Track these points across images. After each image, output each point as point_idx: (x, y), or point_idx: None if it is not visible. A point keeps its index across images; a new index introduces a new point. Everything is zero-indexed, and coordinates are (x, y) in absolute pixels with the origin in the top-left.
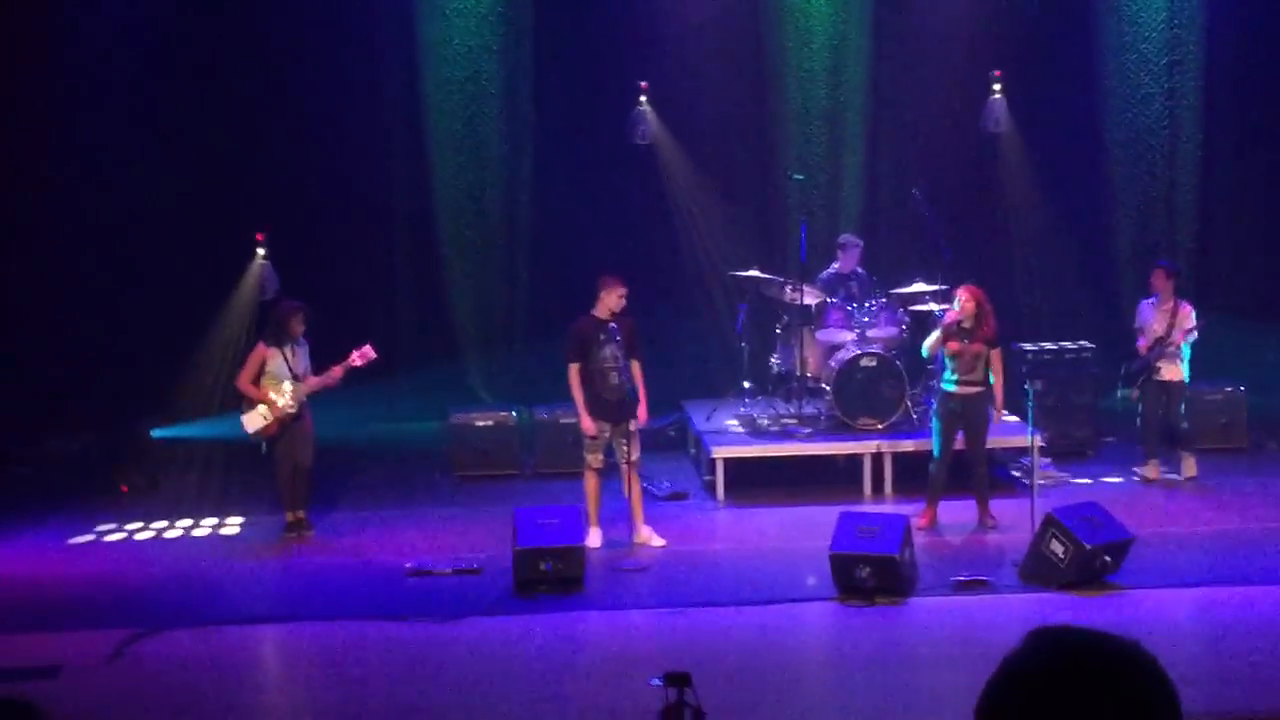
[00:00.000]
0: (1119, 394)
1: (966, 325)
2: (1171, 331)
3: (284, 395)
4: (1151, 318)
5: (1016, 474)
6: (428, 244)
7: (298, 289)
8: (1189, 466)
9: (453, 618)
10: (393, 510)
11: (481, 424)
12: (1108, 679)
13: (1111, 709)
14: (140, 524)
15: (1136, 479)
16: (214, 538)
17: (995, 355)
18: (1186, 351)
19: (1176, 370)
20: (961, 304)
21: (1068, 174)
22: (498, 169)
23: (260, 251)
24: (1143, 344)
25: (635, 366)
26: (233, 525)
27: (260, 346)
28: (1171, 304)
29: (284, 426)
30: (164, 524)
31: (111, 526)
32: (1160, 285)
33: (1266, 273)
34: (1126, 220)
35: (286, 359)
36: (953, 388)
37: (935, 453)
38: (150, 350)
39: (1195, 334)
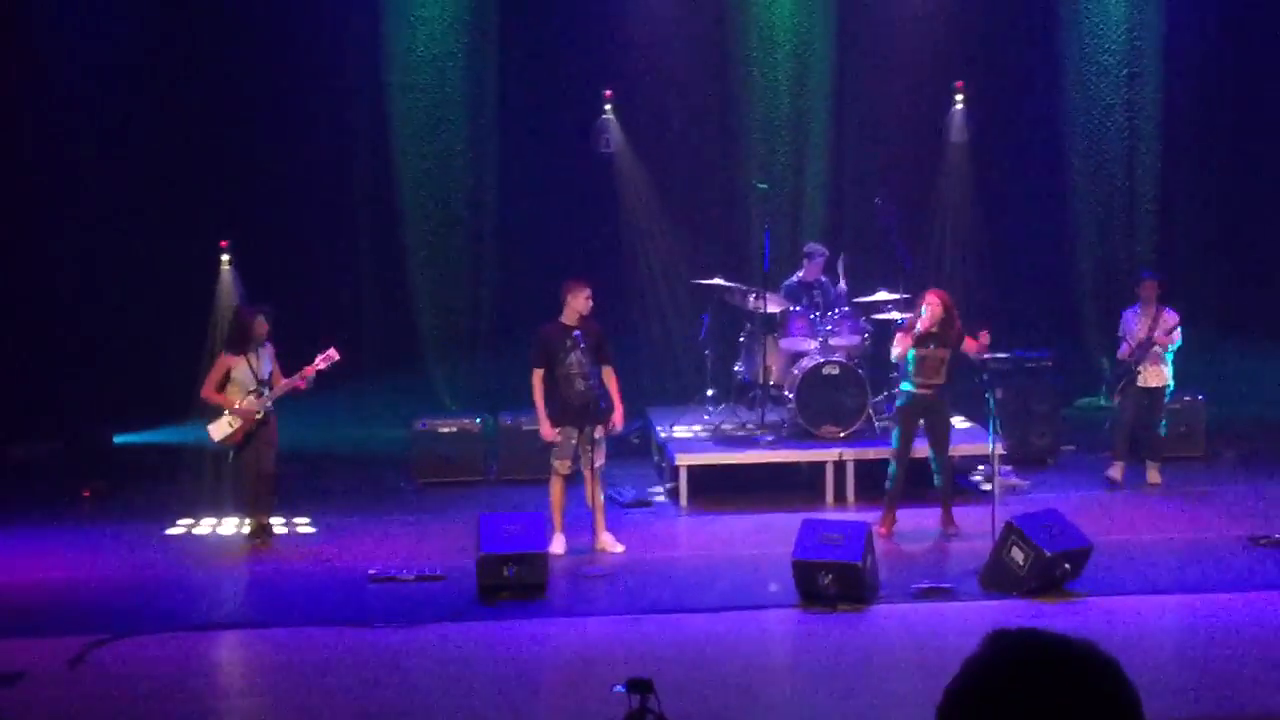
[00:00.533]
0: (1102, 395)
1: (934, 330)
2: (1154, 333)
3: (251, 401)
4: (1135, 325)
5: (978, 480)
6: (393, 250)
7: (263, 295)
8: (1153, 474)
9: (415, 624)
10: (356, 516)
11: (446, 430)
12: (1069, 681)
13: (1073, 711)
14: (105, 529)
15: (1108, 482)
16: (177, 543)
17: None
18: (1170, 357)
19: (1162, 374)
20: (929, 310)
21: (1029, 184)
22: (463, 175)
23: (225, 259)
24: (1125, 350)
25: (608, 373)
26: (196, 531)
27: (223, 356)
28: (1154, 310)
29: (250, 434)
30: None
31: (76, 532)
32: (1146, 293)
33: (1225, 283)
34: (1086, 230)
35: (251, 365)
36: (912, 389)
37: (893, 457)
38: (113, 356)
39: (1179, 341)
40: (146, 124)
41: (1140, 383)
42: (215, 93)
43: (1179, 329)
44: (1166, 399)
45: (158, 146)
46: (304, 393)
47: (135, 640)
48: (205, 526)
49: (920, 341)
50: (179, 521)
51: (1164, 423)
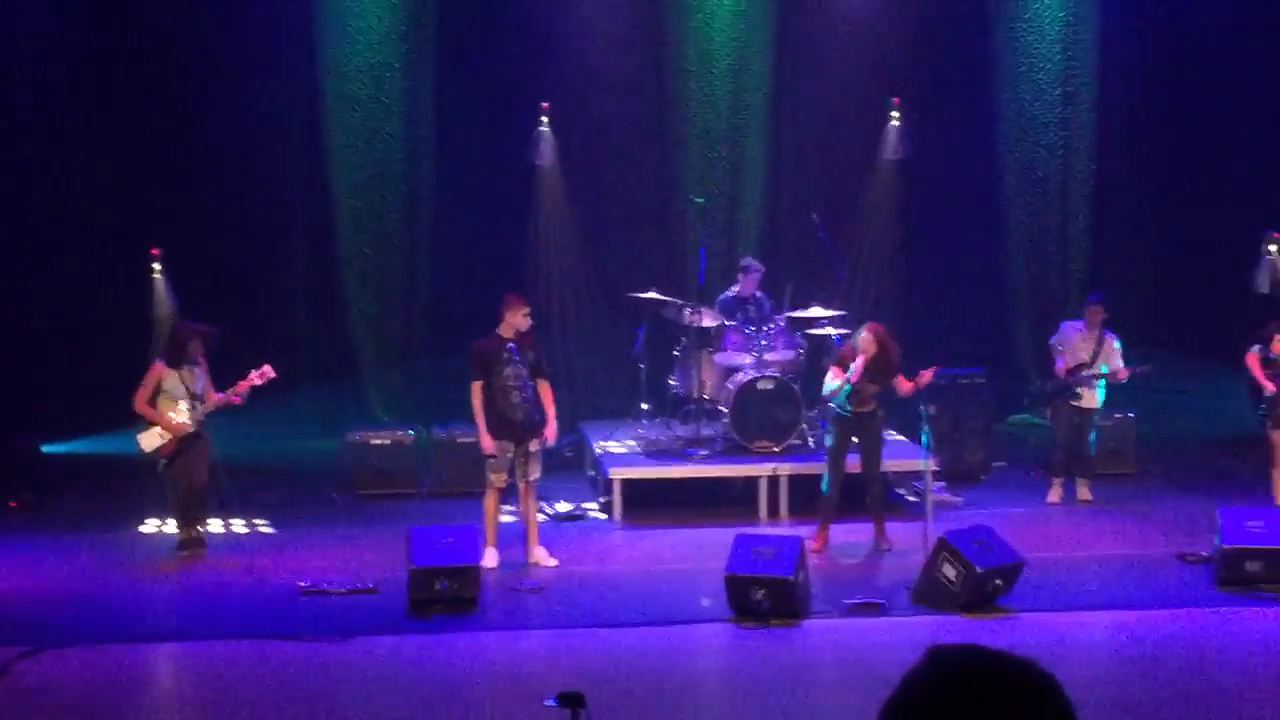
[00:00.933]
0: (1027, 411)
1: (868, 364)
2: (1095, 362)
3: (181, 414)
4: (1076, 342)
5: (912, 499)
6: (327, 262)
7: (196, 306)
8: (1084, 491)
9: (346, 637)
10: (288, 529)
11: (378, 443)
12: (1008, 697)
13: None
14: (31, 540)
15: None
16: (105, 554)
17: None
18: (1101, 382)
19: (1094, 398)
20: (864, 352)
21: (963, 200)
22: (398, 187)
23: (156, 267)
24: (1061, 366)
25: (544, 386)
26: (125, 541)
27: (157, 365)
28: (1097, 333)
29: (181, 444)
30: (56, 540)
31: (1, 543)
32: (1092, 316)
33: (1157, 302)
34: (1020, 248)
35: (183, 378)
36: (848, 413)
37: (827, 474)
38: (42, 365)
39: (1107, 369)
40: (79, 131)
41: (1075, 403)
42: (149, 100)
43: (1120, 363)
44: (1096, 419)
45: (90, 154)
46: (237, 407)
47: (62, 653)
48: (133, 537)
49: (857, 382)
50: (108, 531)
51: (1094, 440)
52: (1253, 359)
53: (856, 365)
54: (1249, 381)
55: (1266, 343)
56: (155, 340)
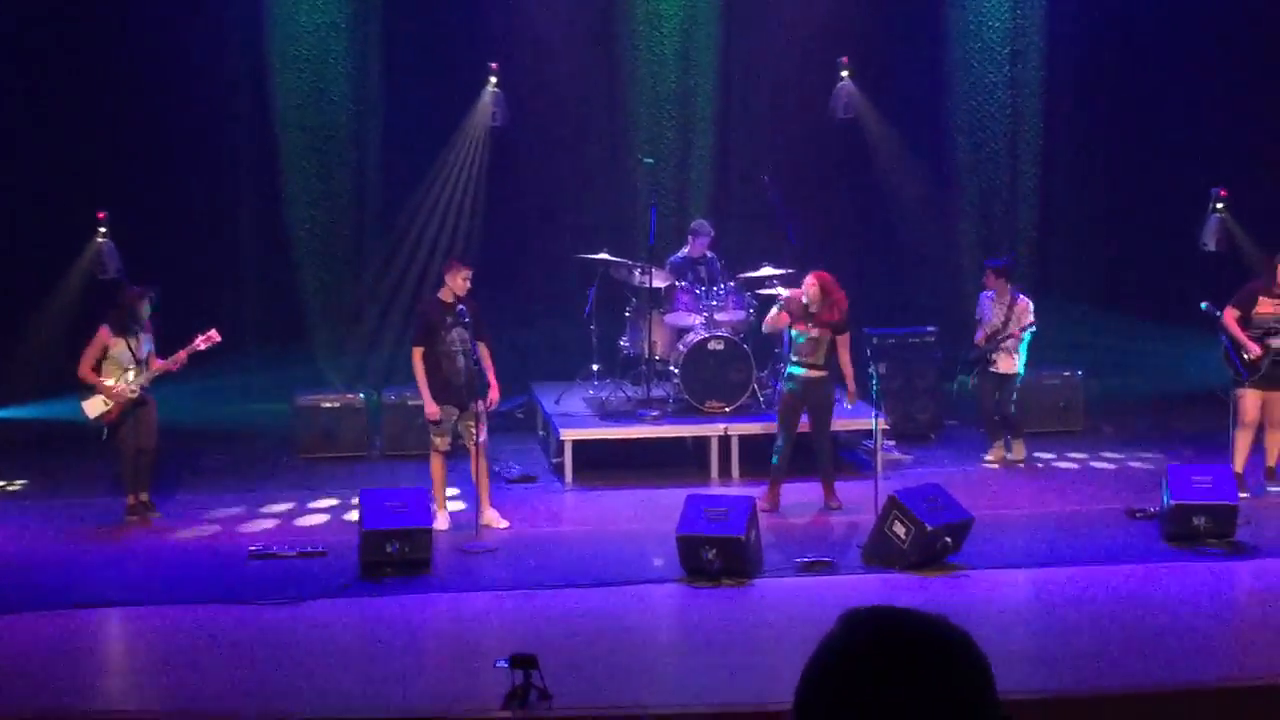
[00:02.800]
0: (957, 381)
1: (812, 310)
2: (1008, 324)
3: (125, 381)
4: (989, 311)
5: (865, 455)
6: (274, 225)
7: (141, 269)
8: (1018, 449)
9: (296, 600)
10: (237, 493)
11: (328, 406)
12: (919, 656)
13: (924, 685)
14: None
15: (984, 463)
16: (53, 520)
17: (843, 341)
18: (1025, 344)
19: (1011, 363)
20: (808, 290)
21: (913, 160)
22: (345, 149)
23: (101, 230)
24: (980, 335)
25: (483, 348)
26: (73, 507)
27: (103, 331)
28: (1008, 298)
29: (125, 411)
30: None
31: None
32: (991, 284)
33: (1105, 260)
34: (969, 207)
35: (129, 345)
36: (797, 370)
37: (778, 434)
38: None
39: (1033, 328)
40: (20, 93)
41: (993, 369)
42: (92, 62)
43: (1033, 320)
44: (1016, 383)
45: (32, 116)
46: (181, 371)
47: (9, 618)
48: (81, 504)
49: (796, 318)
50: (55, 498)
51: (1013, 400)
52: (1230, 317)
53: (793, 291)
54: (1226, 341)
55: (1248, 304)
56: (100, 305)
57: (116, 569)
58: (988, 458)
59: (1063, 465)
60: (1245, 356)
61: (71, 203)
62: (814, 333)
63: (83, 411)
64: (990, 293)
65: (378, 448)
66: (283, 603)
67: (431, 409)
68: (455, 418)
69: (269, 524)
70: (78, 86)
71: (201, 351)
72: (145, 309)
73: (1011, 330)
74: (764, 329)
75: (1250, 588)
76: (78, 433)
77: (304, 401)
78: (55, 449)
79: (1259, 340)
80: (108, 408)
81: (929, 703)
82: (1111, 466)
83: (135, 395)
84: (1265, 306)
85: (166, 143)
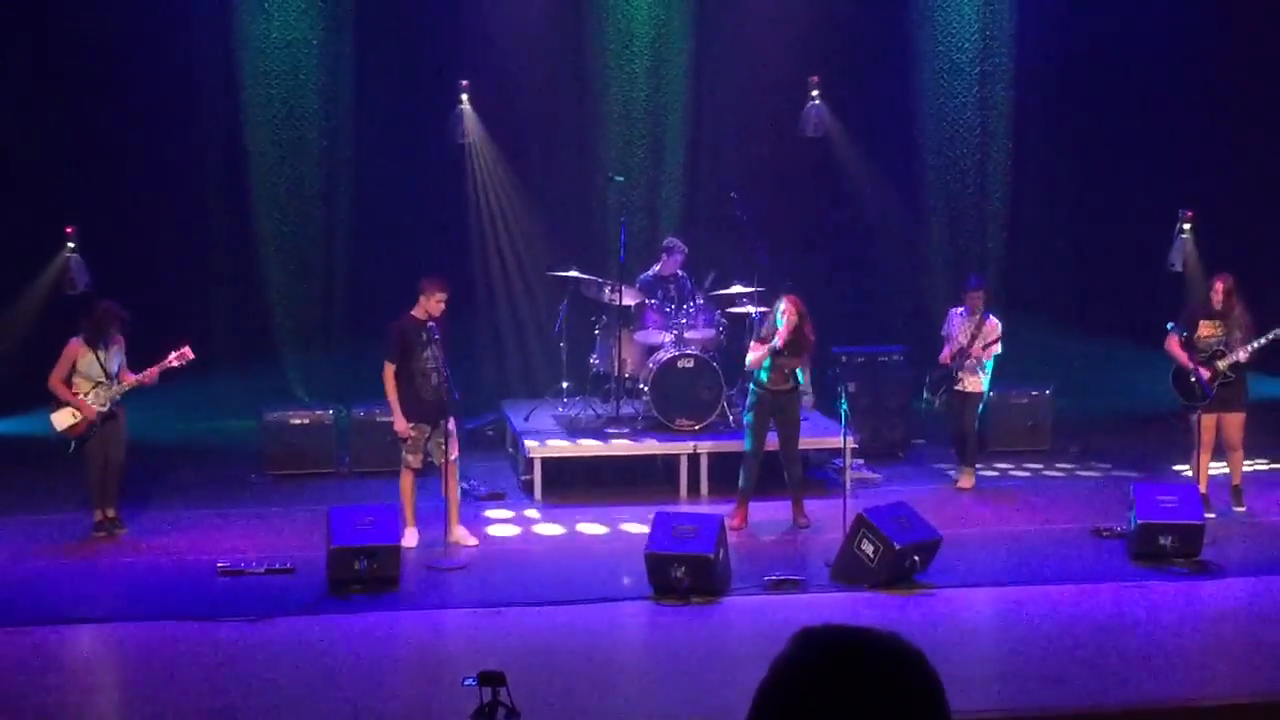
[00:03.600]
0: (924, 399)
1: (785, 337)
2: (974, 343)
3: (94, 395)
4: (957, 328)
5: (834, 474)
6: (245, 240)
7: (111, 284)
8: (967, 477)
9: (265, 617)
10: (205, 509)
11: (297, 422)
12: (871, 675)
13: (875, 703)
14: None
15: (952, 486)
16: (20, 536)
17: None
18: (990, 365)
19: (976, 382)
20: (787, 320)
21: (883, 179)
22: (316, 165)
23: (70, 245)
24: (945, 354)
25: None
26: (40, 523)
27: (73, 344)
28: (978, 317)
29: (93, 426)
30: None
31: None
32: (970, 300)
33: (1073, 279)
34: (938, 226)
35: (99, 358)
36: (765, 390)
37: (747, 452)
38: None
39: (998, 348)
40: None
41: (958, 388)
42: (61, 77)
43: (999, 341)
44: (981, 406)
45: (3, 130)
46: (151, 386)
47: None
48: (48, 519)
49: (777, 354)
50: (21, 513)
51: (977, 421)
52: (1173, 342)
53: (781, 330)
54: (1173, 368)
55: (1189, 327)
56: (69, 318)
57: (84, 585)
58: (959, 483)
59: (1030, 484)
60: (1196, 380)
61: (40, 217)
62: (791, 361)
63: (51, 424)
64: (962, 310)
65: (346, 464)
66: (251, 620)
67: (401, 425)
68: (427, 435)
69: (237, 540)
70: (45, 102)
71: (175, 368)
72: (116, 327)
73: (974, 349)
74: (748, 366)
75: (1216, 607)
76: (43, 448)
77: (272, 418)
78: (20, 464)
79: (1206, 363)
80: (75, 420)
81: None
82: (1079, 485)
83: (105, 410)
84: (1205, 329)
85: (136, 157)
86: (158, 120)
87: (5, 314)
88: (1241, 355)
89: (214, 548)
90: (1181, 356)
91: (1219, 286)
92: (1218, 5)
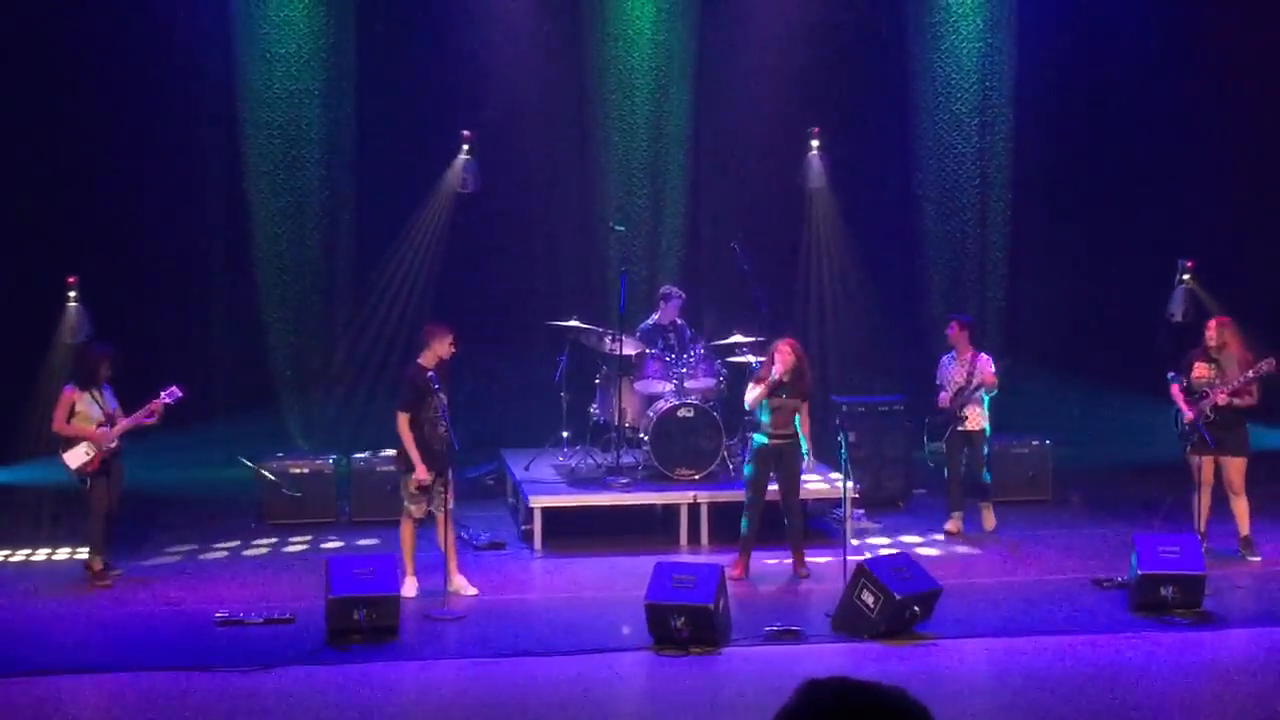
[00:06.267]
0: (928, 450)
1: (786, 380)
2: (971, 379)
3: (105, 430)
4: (951, 372)
5: (835, 523)
6: (246, 288)
7: (113, 333)
8: (988, 519)
9: (263, 667)
10: (204, 558)
11: (297, 471)
12: None
13: None
14: None
15: (940, 536)
16: (16, 584)
17: (805, 408)
18: (986, 401)
19: (978, 418)
20: (781, 359)
21: (882, 230)
22: (318, 214)
23: (72, 295)
24: (944, 398)
25: None
26: (36, 571)
27: (67, 391)
28: (969, 355)
29: (106, 461)
30: None
31: None
32: (955, 338)
33: (1074, 329)
34: (938, 277)
35: (96, 399)
36: (766, 440)
37: (747, 502)
38: None
39: (996, 383)
40: None
41: (961, 428)
42: (66, 123)
43: (995, 372)
44: (985, 444)
45: (7, 181)
46: (150, 429)
47: None
48: (43, 565)
49: (773, 391)
50: (15, 559)
51: (986, 470)
52: (1175, 387)
53: (776, 367)
54: (1174, 412)
55: (1186, 372)
56: (58, 367)
57: (82, 634)
58: (948, 528)
59: (1031, 534)
60: (1181, 423)
61: (44, 267)
62: (790, 403)
63: (64, 465)
64: (950, 354)
65: (346, 513)
66: (250, 670)
67: (422, 474)
68: (430, 484)
69: (236, 590)
70: (49, 148)
71: (169, 406)
72: (107, 369)
73: (974, 384)
74: (748, 406)
75: (1217, 658)
76: (40, 496)
77: (273, 466)
78: (18, 512)
79: (1195, 404)
80: (89, 456)
81: None
82: (1079, 535)
83: (115, 445)
84: (1200, 370)
85: (138, 205)
86: (160, 170)
87: (4, 365)
88: (1220, 397)
89: (212, 597)
90: (1177, 399)
91: (1212, 325)
92: (1217, 56)
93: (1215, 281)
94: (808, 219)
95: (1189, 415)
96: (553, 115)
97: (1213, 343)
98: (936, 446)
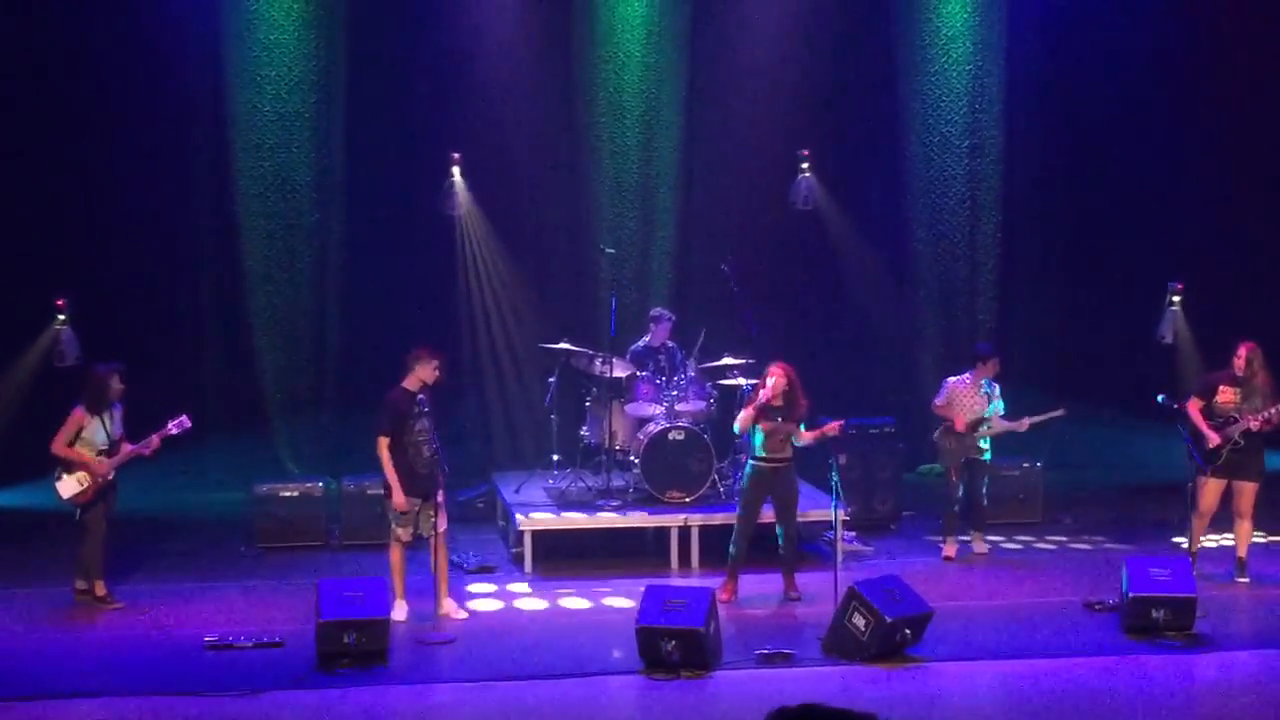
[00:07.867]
0: (930, 467)
1: (777, 404)
2: (989, 408)
3: (102, 461)
4: (967, 394)
5: (826, 546)
6: (236, 313)
7: (102, 356)
8: (979, 544)
9: (253, 692)
10: (194, 582)
11: (287, 495)
12: None
13: None
14: None
15: (944, 558)
16: (6, 609)
17: (799, 432)
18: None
19: (985, 446)
20: (774, 381)
21: (873, 252)
22: (308, 237)
23: (60, 317)
24: (959, 423)
25: None
26: (26, 596)
27: (77, 412)
28: (983, 385)
29: (99, 492)
30: None
31: None
32: (984, 370)
33: (1064, 351)
34: (929, 298)
35: (104, 424)
36: (761, 464)
37: (738, 525)
38: None
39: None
40: None
41: (974, 455)
42: (54, 145)
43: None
44: (987, 472)
45: None
46: (147, 457)
47: None
48: (37, 589)
49: (765, 415)
50: (10, 585)
51: (985, 489)
52: (1193, 405)
53: (765, 391)
54: (1189, 429)
55: (1209, 392)
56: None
57: (71, 659)
58: (946, 551)
59: (1021, 557)
60: (1205, 446)
61: (33, 290)
62: (784, 427)
63: (57, 493)
64: (963, 377)
65: (336, 537)
66: (239, 694)
67: (399, 499)
68: (418, 508)
69: (226, 613)
70: (39, 173)
71: (174, 436)
72: (117, 384)
73: (1025, 423)
74: (738, 430)
75: (1208, 681)
76: (32, 520)
77: (262, 490)
78: (10, 537)
79: (1219, 429)
80: (83, 488)
81: None
82: (1070, 558)
83: (111, 476)
84: (1226, 395)
85: (128, 227)
86: (149, 192)
87: None
88: (1254, 424)
89: (202, 621)
90: (1200, 421)
91: (1242, 352)
92: (1206, 76)
93: (1204, 303)
94: (798, 241)
95: (1214, 440)
96: (543, 138)
97: (1241, 371)
98: (930, 468)
